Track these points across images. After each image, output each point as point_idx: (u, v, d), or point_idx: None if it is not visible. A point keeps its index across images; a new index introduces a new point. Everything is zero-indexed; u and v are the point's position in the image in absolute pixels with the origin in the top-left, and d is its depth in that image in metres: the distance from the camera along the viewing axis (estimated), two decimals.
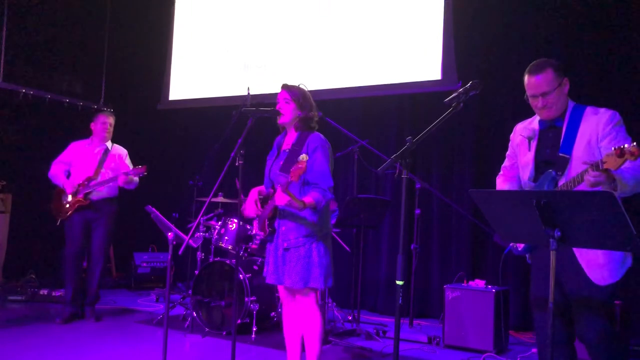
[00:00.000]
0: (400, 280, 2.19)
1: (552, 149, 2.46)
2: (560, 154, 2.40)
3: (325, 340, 4.16)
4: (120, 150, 5.09)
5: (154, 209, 3.36)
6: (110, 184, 4.81)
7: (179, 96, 7.12)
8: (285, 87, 3.09)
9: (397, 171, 2.25)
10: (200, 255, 4.96)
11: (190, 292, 4.64)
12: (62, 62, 7.02)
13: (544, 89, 2.43)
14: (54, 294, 5.49)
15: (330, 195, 2.91)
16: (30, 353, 3.77)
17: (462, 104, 2.27)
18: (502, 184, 2.75)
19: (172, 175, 6.93)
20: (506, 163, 2.76)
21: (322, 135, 3.04)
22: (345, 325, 4.69)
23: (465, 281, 4.37)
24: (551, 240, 1.97)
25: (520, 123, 2.69)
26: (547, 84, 2.43)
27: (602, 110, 2.43)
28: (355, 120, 5.80)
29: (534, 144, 2.53)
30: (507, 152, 2.76)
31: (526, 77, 2.50)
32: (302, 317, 3.00)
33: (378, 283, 5.67)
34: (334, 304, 4.86)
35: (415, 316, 5.07)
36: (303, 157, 2.69)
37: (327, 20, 6.00)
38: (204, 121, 6.88)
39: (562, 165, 2.40)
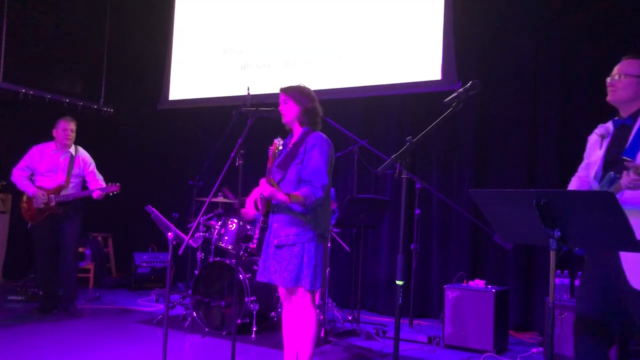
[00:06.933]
0: (400, 280, 2.19)
1: (619, 149, 2.33)
2: (623, 157, 2.25)
3: (325, 340, 4.17)
4: (85, 155, 5.09)
5: (154, 209, 3.35)
6: (78, 185, 4.97)
7: (179, 96, 7.12)
8: (281, 89, 3.09)
9: (397, 171, 2.23)
10: (200, 255, 4.96)
11: (190, 292, 4.64)
12: (62, 62, 7.02)
13: (622, 70, 2.38)
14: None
15: (322, 193, 2.87)
16: (29, 353, 3.77)
17: (462, 104, 2.26)
18: (572, 183, 2.63)
19: (172, 175, 6.92)
20: (582, 163, 2.63)
21: (323, 135, 3.04)
22: (345, 325, 4.69)
23: (465, 281, 4.37)
24: (551, 240, 1.97)
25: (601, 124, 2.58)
26: (629, 67, 2.38)
27: None
28: (355, 120, 5.80)
29: (605, 142, 2.42)
30: (585, 152, 2.64)
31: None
32: (297, 317, 3.00)
33: (378, 283, 5.67)
34: (334, 304, 4.86)
35: (415, 316, 5.07)
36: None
37: (327, 20, 6.00)
38: (204, 121, 6.88)
39: (623, 167, 2.23)
